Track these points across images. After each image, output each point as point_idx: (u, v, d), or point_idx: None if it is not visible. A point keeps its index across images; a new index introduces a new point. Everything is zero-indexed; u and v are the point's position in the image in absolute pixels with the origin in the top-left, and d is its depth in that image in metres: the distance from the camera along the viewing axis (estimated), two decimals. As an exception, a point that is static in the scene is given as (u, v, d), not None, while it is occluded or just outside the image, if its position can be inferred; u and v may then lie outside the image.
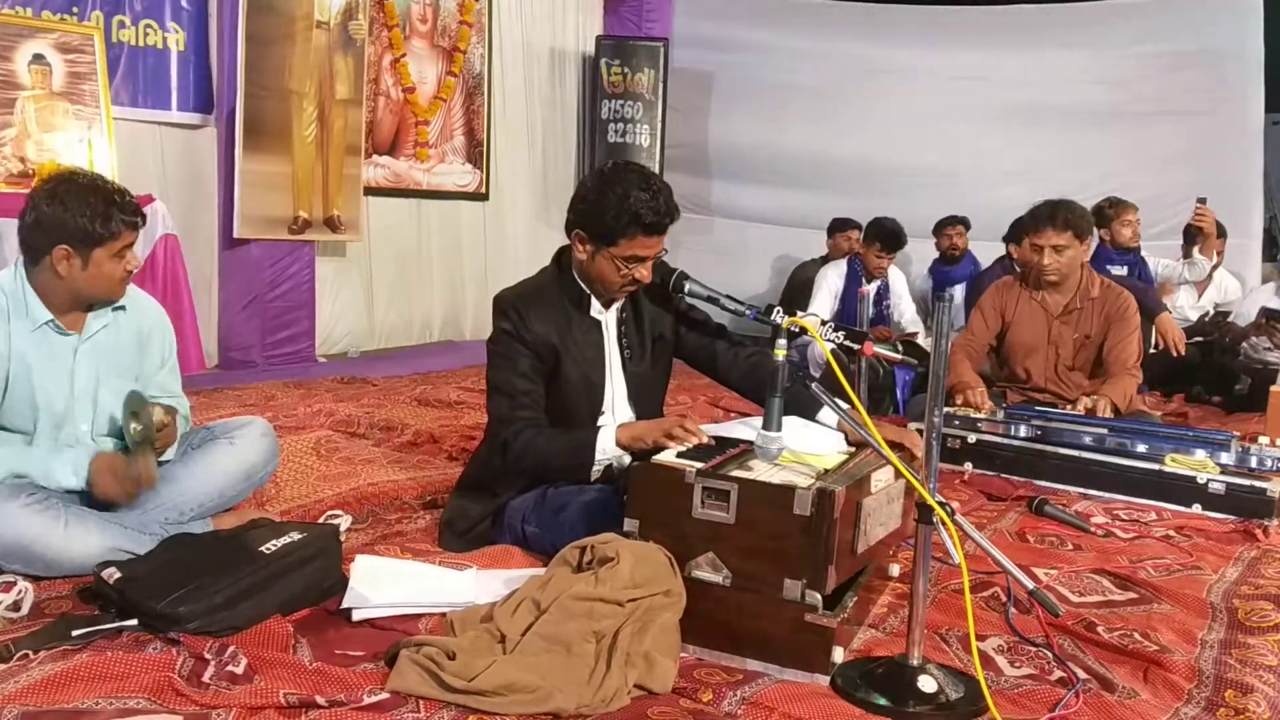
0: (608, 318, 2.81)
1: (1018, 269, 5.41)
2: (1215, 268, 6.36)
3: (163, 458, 2.70)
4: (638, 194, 2.58)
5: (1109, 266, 5.50)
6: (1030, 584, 2.00)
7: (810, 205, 8.04)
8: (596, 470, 2.64)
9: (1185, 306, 6.30)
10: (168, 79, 5.66)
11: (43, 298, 2.56)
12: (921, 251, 7.35)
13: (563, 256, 2.81)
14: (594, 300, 2.78)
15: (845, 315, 5.80)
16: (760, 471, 2.26)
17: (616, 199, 2.58)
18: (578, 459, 2.61)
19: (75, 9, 5.18)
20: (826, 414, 2.68)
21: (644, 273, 2.67)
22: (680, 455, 2.34)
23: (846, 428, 2.58)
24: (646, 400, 2.88)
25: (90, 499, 2.59)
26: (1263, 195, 7.74)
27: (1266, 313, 5.79)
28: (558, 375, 2.73)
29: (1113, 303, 4.21)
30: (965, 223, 7.09)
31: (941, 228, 7.12)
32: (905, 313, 6.20)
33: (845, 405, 2.31)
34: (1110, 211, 5.87)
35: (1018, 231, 6.35)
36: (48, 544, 2.41)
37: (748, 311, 2.68)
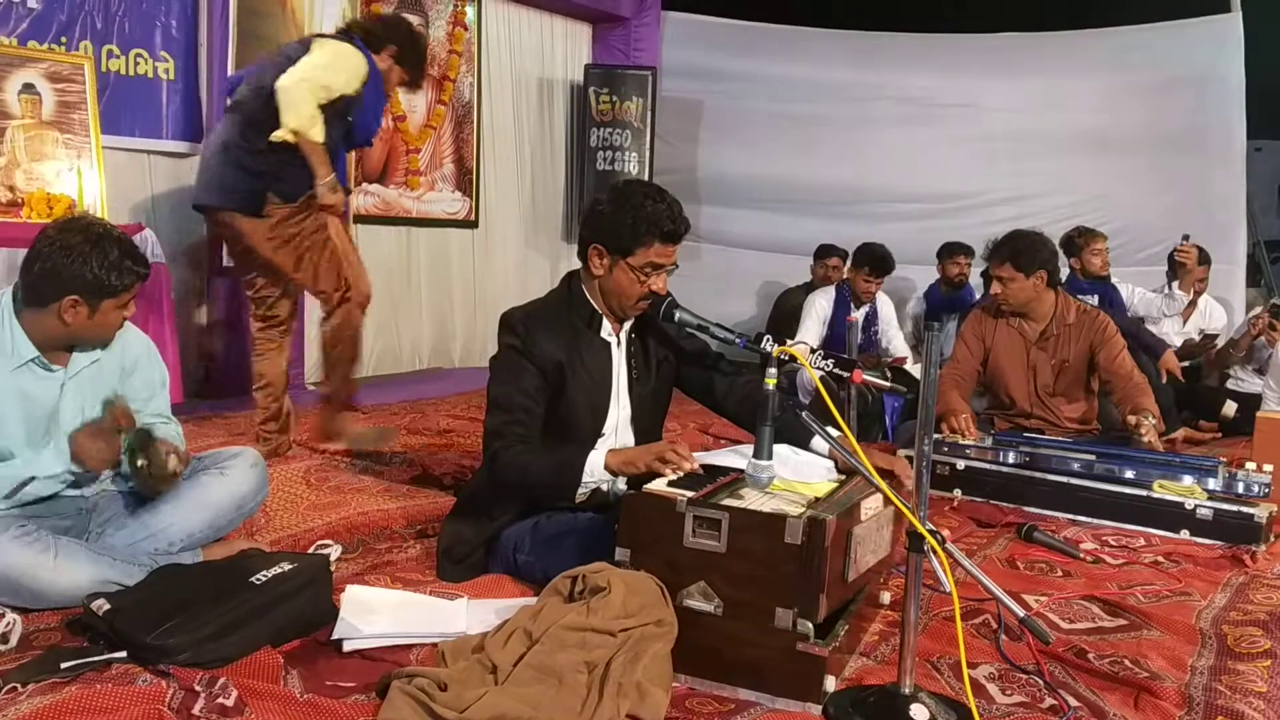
0: (617, 339, 2.83)
1: None
2: (1199, 294, 6.39)
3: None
4: (653, 204, 2.66)
5: (1080, 296, 5.50)
6: (1021, 611, 2.01)
7: (798, 231, 8.07)
8: (583, 493, 2.63)
9: (1170, 334, 6.33)
10: (158, 107, 5.66)
11: (32, 335, 2.56)
12: (913, 278, 7.37)
13: (572, 280, 2.83)
14: (605, 321, 2.79)
15: (833, 341, 5.82)
16: (751, 500, 2.26)
17: (633, 209, 2.65)
18: (564, 479, 2.60)
19: (64, 38, 5.19)
20: (818, 442, 2.69)
21: (660, 283, 2.72)
22: (671, 484, 2.35)
23: (837, 456, 2.59)
24: (647, 424, 2.89)
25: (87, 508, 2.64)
26: (1246, 221, 7.81)
27: (1273, 308, 5.80)
28: (562, 394, 2.74)
29: (1089, 327, 4.25)
30: (970, 251, 6.90)
31: (952, 254, 6.94)
32: (893, 339, 6.23)
33: (836, 433, 2.32)
34: (1079, 241, 5.91)
35: None
36: (35, 576, 2.39)
37: (738, 340, 2.69)
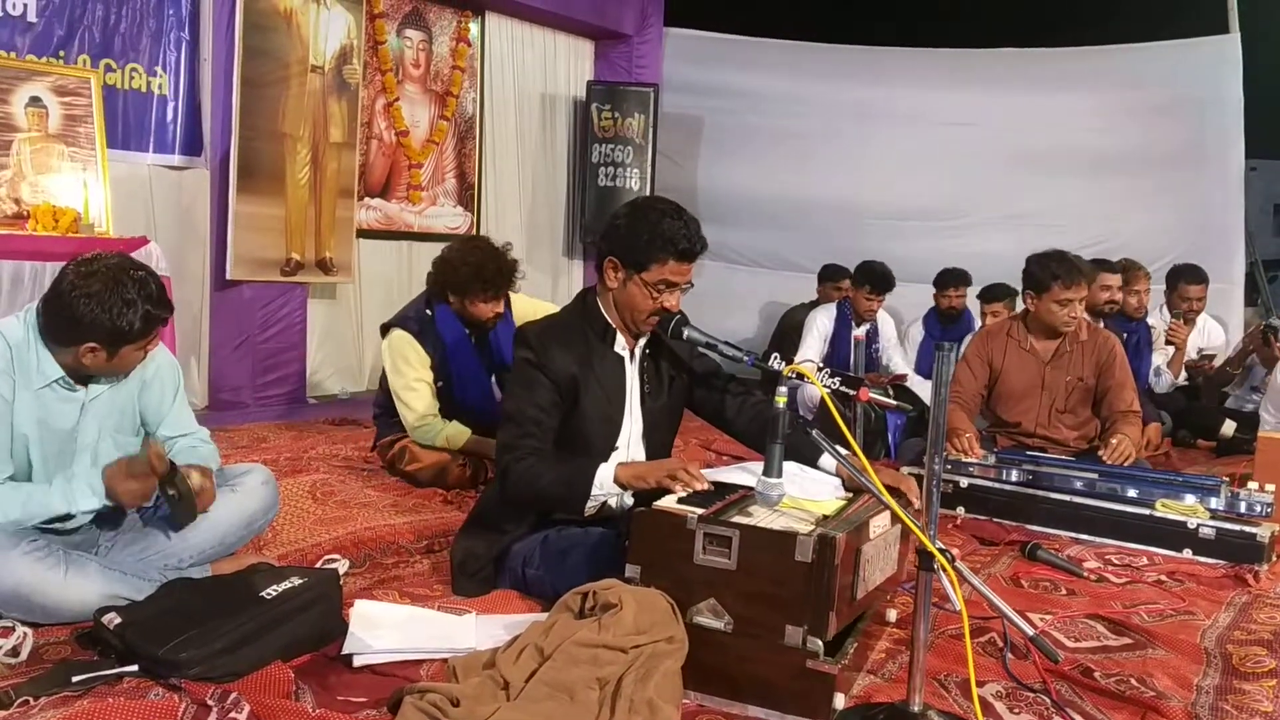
0: (631, 354, 2.84)
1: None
2: (1197, 313, 6.38)
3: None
4: (670, 221, 2.66)
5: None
6: (1030, 630, 2.02)
7: (799, 248, 8.11)
8: (592, 505, 2.63)
9: (1169, 351, 6.33)
10: (154, 122, 5.69)
11: (56, 358, 2.56)
12: (911, 297, 7.34)
13: (588, 295, 2.85)
14: (619, 336, 2.81)
15: (835, 358, 5.82)
16: (761, 518, 2.27)
17: (650, 225, 2.66)
18: (573, 490, 2.61)
19: (62, 53, 5.22)
20: (825, 460, 2.70)
21: (673, 300, 2.73)
22: (681, 501, 2.36)
23: (845, 474, 2.60)
24: (658, 439, 2.90)
25: (103, 519, 2.63)
26: (1244, 240, 7.84)
27: (1268, 327, 5.80)
28: (576, 408, 2.75)
29: (1102, 346, 4.25)
30: (967, 281, 6.69)
31: (944, 287, 6.69)
32: (893, 356, 6.23)
33: (844, 451, 2.33)
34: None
35: (1000, 292, 6.34)
36: (46, 592, 2.39)
37: (746, 358, 2.70)
